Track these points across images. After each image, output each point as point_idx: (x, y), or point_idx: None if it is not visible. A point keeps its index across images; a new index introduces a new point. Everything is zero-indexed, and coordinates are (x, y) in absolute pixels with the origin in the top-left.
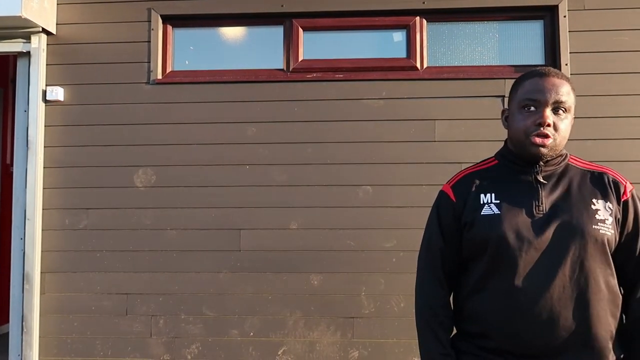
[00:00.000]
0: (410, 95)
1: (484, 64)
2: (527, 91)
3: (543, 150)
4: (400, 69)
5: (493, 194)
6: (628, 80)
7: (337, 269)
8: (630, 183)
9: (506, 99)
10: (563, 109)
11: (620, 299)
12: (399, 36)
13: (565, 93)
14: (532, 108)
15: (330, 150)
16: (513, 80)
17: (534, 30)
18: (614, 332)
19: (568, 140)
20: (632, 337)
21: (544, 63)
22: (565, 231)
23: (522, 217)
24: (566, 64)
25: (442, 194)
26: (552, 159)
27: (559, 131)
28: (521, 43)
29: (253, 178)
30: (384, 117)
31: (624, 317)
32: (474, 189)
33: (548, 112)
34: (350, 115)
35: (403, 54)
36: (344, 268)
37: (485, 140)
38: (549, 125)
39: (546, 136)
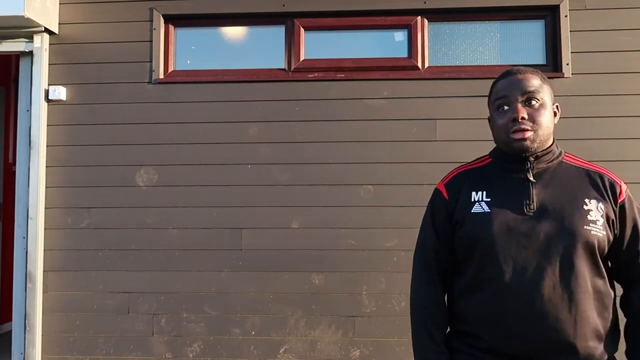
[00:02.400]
0: (411, 94)
1: (485, 64)
2: (497, 92)
3: (526, 143)
4: (402, 69)
5: (484, 192)
6: (629, 79)
7: (338, 268)
8: (625, 183)
9: None
10: (535, 100)
11: (610, 299)
12: (400, 36)
13: (534, 85)
14: (505, 107)
15: (331, 150)
16: None
17: (535, 29)
18: (602, 332)
19: (569, 140)
20: (634, 336)
21: (545, 63)
22: (556, 231)
23: (512, 216)
24: (567, 64)
25: (436, 192)
26: (543, 155)
27: (537, 122)
28: (522, 43)
29: (254, 177)
30: (385, 116)
31: (618, 316)
32: (466, 186)
33: (520, 106)
34: (351, 115)
35: (404, 54)
36: (345, 267)
37: (486, 139)
38: (523, 118)
39: (524, 130)
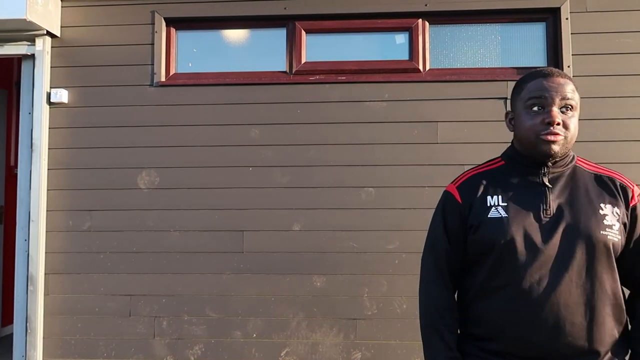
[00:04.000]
0: (412, 97)
1: (486, 66)
2: (533, 91)
3: (555, 147)
4: (403, 71)
5: (500, 197)
6: (630, 81)
7: (339, 270)
8: (638, 186)
9: (508, 101)
10: (570, 107)
11: (625, 304)
12: (401, 38)
13: (570, 91)
14: (540, 107)
15: (332, 152)
16: (515, 82)
17: (536, 32)
18: (618, 336)
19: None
20: (638, 341)
21: (546, 65)
22: (573, 236)
23: (530, 221)
24: (568, 66)
25: (447, 194)
26: (560, 160)
27: (569, 129)
28: (523, 45)
29: (256, 180)
30: (387, 119)
31: (629, 321)
32: (480, 190)
33: (556, 111)
34: (352, 117)
35: (405, 56)
36: (347, 269)
37: (487, 142)
38: (558, 124)
39: (557, 134)
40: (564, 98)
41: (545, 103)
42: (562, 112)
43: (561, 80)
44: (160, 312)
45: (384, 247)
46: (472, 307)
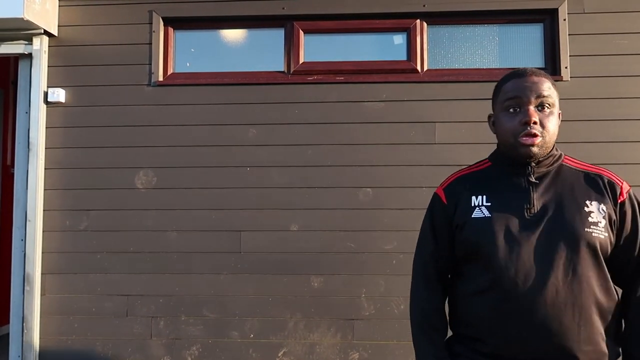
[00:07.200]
0: (410, 97)
1: (484, 67)
2: (508, 92)
3: (534, 149)
4: (401, 72)
5: (484, 197)
6: (627, 83)
7: (337, 270)
8: (627, 184)
9: None
10: (547, 105)
11: (614, 302)
12: (399, 39)
13: (547, 89)
14: (516, 109)
15: (330, 153)
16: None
17: (534, 33)
18: (606, 335)
19: (567, 142)
20: (632, 339)
21: (543, 66)
22: (557, 234)
23: (513, 220)
24: (566, 67)
25: (435, 196)
26: (544, 159)
27: (547, 128)
28: (521, 46)
29: (254, 180)
30: (385, 119)
31: (622, 319)
32: (465, 191)
33: (532, 109)
34: (350, 118)
35: (403, 57)
36: (344, 270)
37: (485, 142)
38: (535, 123)
39: (534, 135)
40: (539, 96)
41: (521, 103)
42: (539, 111)
43: (535, 78)
44: (157, 312)
45: (382, 247)
46: (461, 309)
